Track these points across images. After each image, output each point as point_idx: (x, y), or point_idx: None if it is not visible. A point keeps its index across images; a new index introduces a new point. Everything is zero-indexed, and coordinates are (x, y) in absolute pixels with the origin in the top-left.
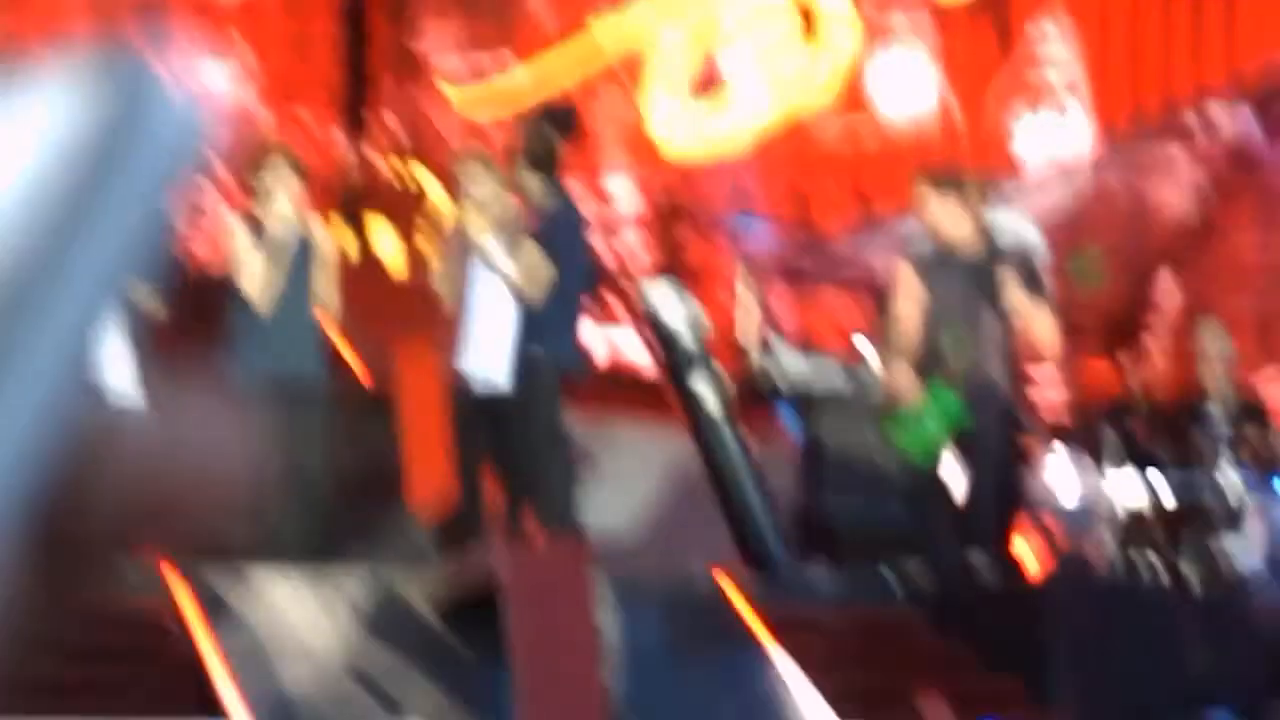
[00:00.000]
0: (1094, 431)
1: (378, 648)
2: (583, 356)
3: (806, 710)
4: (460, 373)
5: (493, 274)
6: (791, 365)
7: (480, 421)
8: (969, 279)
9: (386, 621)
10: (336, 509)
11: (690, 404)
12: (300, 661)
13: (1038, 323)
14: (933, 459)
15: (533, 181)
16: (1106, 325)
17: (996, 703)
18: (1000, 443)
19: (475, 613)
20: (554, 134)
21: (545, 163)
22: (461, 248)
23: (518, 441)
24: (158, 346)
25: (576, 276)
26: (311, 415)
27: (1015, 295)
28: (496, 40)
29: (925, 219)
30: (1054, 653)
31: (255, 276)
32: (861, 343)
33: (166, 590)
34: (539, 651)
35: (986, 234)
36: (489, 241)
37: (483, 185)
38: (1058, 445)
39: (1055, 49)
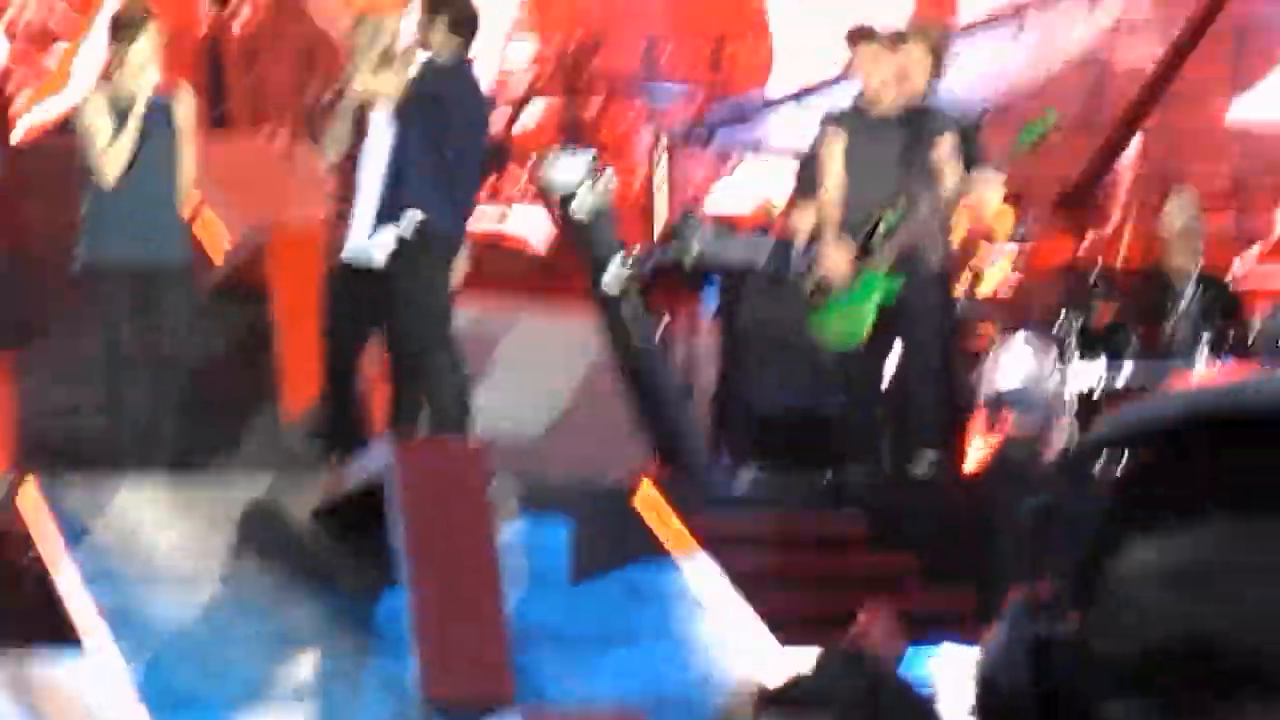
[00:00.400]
0: (1050, 314)
1: (253, 565)
2: (462, 228)
3: (734, 629)
4: (339, 249)
5: (381, 140)
6: (710, 243)
7: (358, 302)
8: (899, 143)
9: (261, 535)
10: (203, 410)
11: (598, 288)
12: (168, 583)
13: (978, 191)
14: (857, 341)
15: (442, 41)
16: (1064, 196)
17: (946, 619)
18: (937, 325)
19: (359, 523)
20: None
21: (463, 25)
22: (350, 110)
23: (397, 322)
24: None
25: (466, 142)
26: (173, 304)
27: (949, 161)
28: None
29: (858, 77)
30: (1008, 561)
31: (108, 148)
32: (786, 216)
33: (17, 507)
34: (431, 565)
35: (921, 94)
36: (381, 103)
37: (376, 44)
38: (1009, 329)
39: None
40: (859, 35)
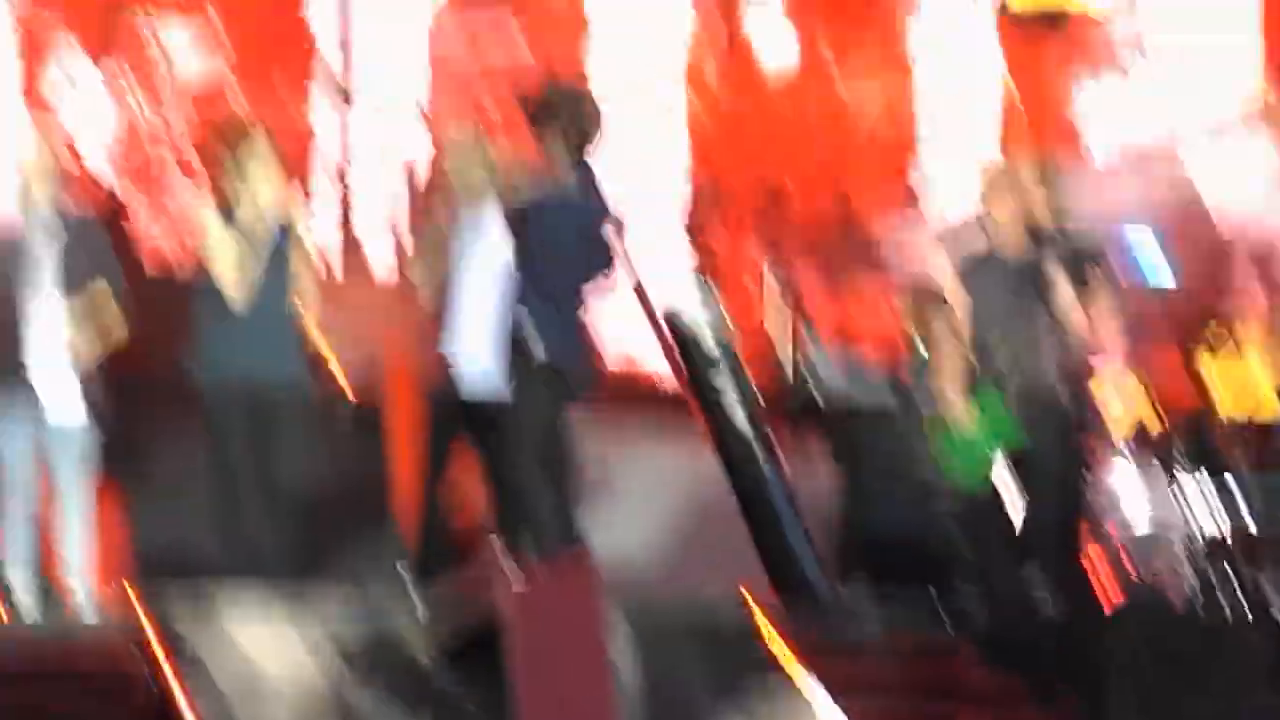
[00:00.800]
0: (1167, 441)
1: (363, 688)
2: (587, 358)
3: None
4: (447, 374)
5: (482, 261)
6: (828, 373)
7: (469, 429)
8: (1018, 277)
9: (373, 658)
10: (317, 530)
11: (715, 415)
12: (278, 704)
13: (1096, 323)
14: (983, 477)
15: (560, 154)
16: (1181, 324)
17: None
18: (1058, 456)
19: (473, 649)
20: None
21: (580, 135)
22: (445, 231)
23: (510, 452)
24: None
25: (584, 268)
26: (289, 425)
27: (1067, 295)
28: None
29: (983, 208)
30: (1120, 691)
31: (229, 270)
32: (906, 350)
33: (131, 621)
34: (545, 692)
35: (1042, 226)
36: (477, 224)
37: (471, 161)
38: (1125, 456)
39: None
40: (992, 170)
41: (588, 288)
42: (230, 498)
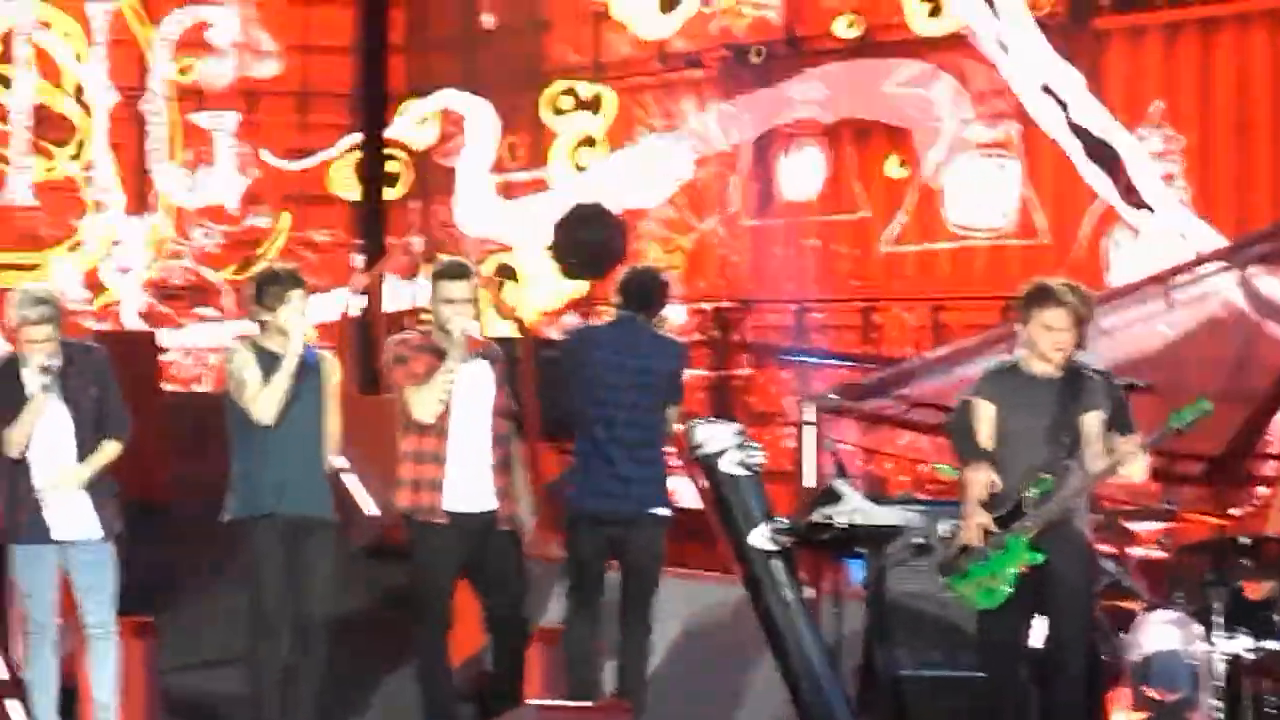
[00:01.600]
0: (1198, 588)
1: None
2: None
3: None
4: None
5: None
6: (859, 512)
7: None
8: (1054, 408)
9: None
10: (349, 668)
11: (744, 553)
12: None
13: (1128, 464)
14: (995, 605)
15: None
16: (1212, 469)
17: None
18: (1082, 597)
19: None
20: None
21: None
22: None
23: (507, 581)
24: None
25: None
26: (320, 559)
27: (1100, 432)
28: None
29: (1028, 337)
30: None
31: (266, 409)
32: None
33: None
34: None
35: (1076, 362)
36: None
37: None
38: (1155, 603)
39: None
40: (1045, 296)
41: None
42: (265, 630)
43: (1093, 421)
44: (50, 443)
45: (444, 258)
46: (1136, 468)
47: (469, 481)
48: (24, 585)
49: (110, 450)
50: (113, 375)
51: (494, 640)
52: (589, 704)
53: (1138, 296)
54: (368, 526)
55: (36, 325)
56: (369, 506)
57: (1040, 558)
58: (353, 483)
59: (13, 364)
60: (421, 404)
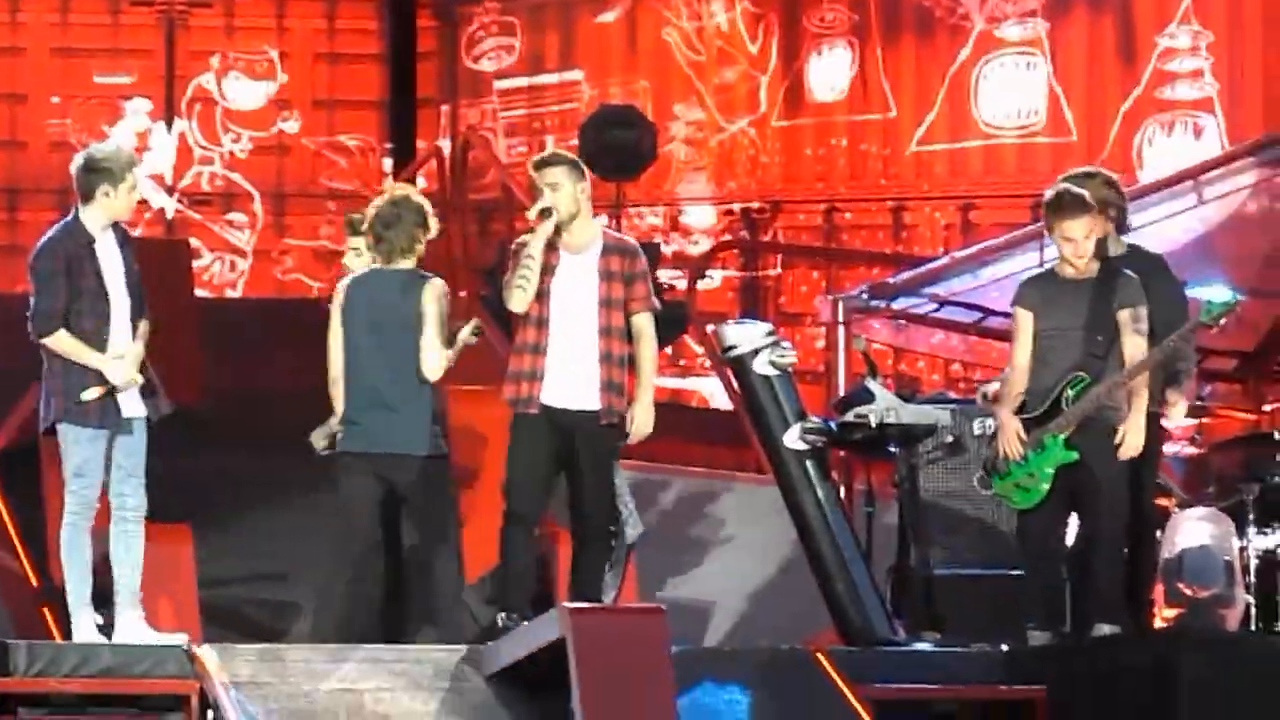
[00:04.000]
0: (1231, 483)
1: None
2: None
3: None
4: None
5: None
6: (891, 411)
7: (550, 455)
8: (1089, 310)
9: (434, 679)
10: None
11: (778, 456)
12: None
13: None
14: (1033, 504)
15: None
16: (1244, 364)
17: None
18: (1118, 493)
19: (540, 688)
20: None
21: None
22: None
23: (592, 479)
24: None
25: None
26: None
27: (1136, 330)
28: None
29: (1057, 240)
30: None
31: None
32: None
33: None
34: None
35: (1110, 260)
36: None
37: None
38: (1188, 499)
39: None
40: (1061, 207)
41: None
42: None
43: (1125, 319)
44: (120, 324)
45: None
46: (1176, 411)
47: (568, 375)
48: (78, 464)
49: (146, 331)
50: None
51: (575, 544)
52: (624, 606)
53: (1168, 193)
54: None
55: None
56: None
57: (1075, 455)
58: None
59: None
60: (509, 292)
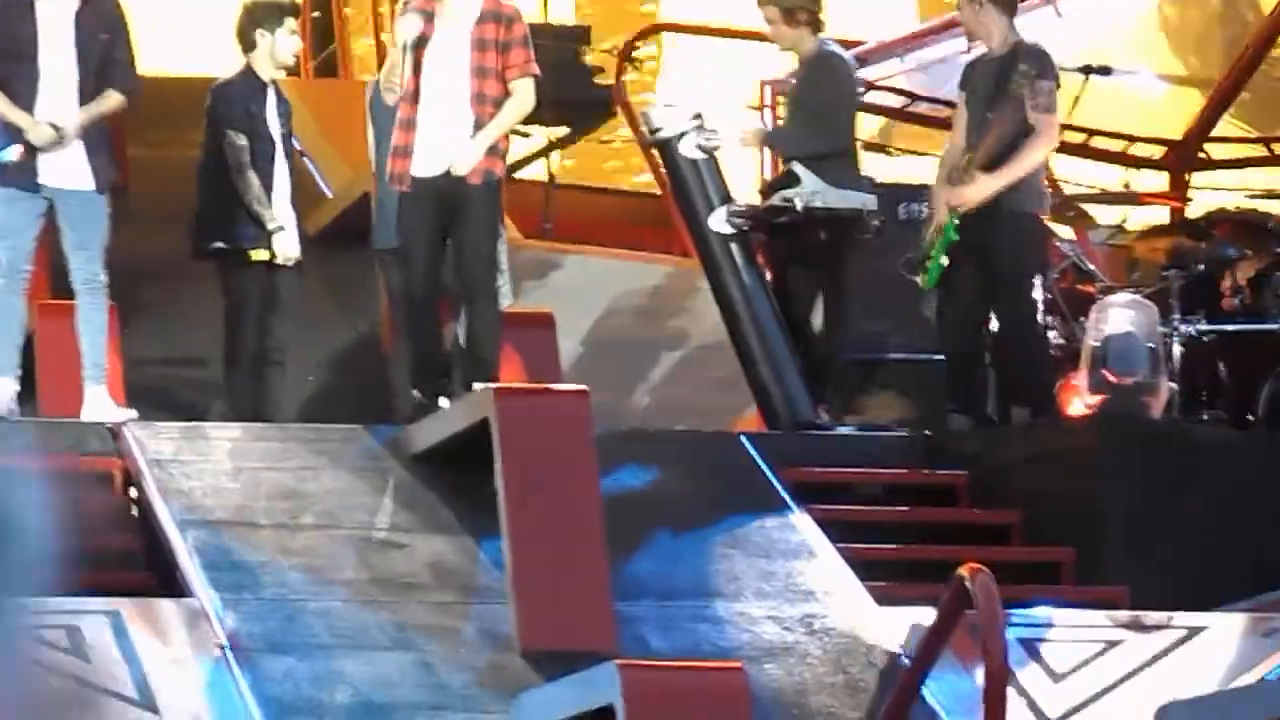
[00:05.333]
0: (1157, 271)
1: (351, 511)
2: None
3: (835, 581)
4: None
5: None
6: (818, 196)
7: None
8: (988, 90)
9: (360, 481)
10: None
11: (702, 239)
12: (265, 529)
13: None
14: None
15: None
16: (1171, 152)
17: (1045, 576)
18: (1022, 268)
19: (462, 467)
20: None
21: None
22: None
23: (476, 248)
24: None
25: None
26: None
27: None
28: None
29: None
30: (1108, 517)
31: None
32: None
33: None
34: (532, 514)
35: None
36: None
37: None
38: (1112, 286)
39: None
40: None
41: None
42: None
43: (1022, 94)
44: (54, 85)
45: None
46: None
47: (441, 145)
48: (0, 224)
49: (112, 101)
50: (125, 24)
51: (465, 308)
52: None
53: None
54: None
55: None
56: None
57: (953, 235)
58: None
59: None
60: (386, 93)
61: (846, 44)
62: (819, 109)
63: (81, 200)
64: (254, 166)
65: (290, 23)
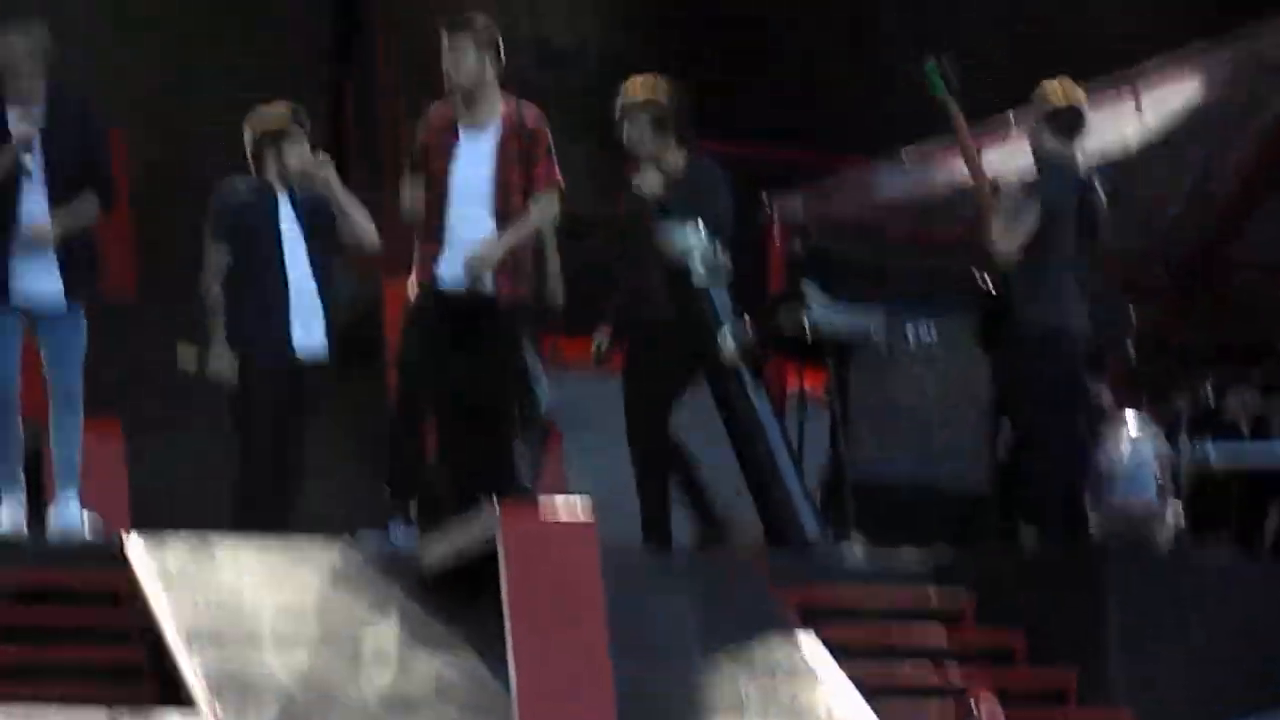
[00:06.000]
0: (1165, 388)
1: (359, 627)
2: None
3: (840, 702)
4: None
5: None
6: (823, 312)
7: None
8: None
9: (369, 597)
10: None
11: (709, 354)
12: (273, 645)
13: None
14: None
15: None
16: (1179, 273)
17: (1051, 698)
18: (1046, 397)
19: (473, 586)
20: None
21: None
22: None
23: (487, 369)
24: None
25: None
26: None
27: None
28: None
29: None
30: (1115, 641)
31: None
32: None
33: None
34: (538, 638)
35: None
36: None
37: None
38: (1121, 405)
39: None
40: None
41: None
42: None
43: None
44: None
45: None
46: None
47: (461, 259)
48: None
49: (88, 209)
50: (106, 135)
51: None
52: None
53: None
54: None
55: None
56: None
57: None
58: None
59: None
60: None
61: None
62: None
63: (60, 316)
64: (254, 275)
65: (296, 133)
